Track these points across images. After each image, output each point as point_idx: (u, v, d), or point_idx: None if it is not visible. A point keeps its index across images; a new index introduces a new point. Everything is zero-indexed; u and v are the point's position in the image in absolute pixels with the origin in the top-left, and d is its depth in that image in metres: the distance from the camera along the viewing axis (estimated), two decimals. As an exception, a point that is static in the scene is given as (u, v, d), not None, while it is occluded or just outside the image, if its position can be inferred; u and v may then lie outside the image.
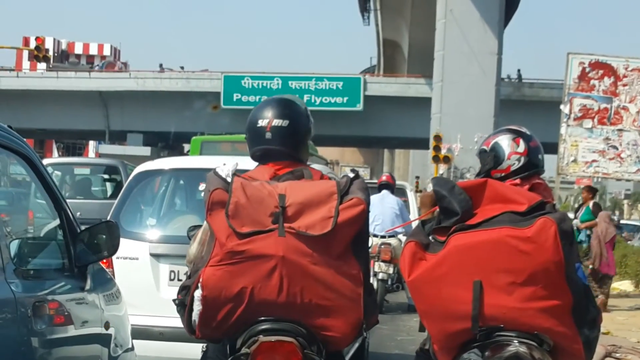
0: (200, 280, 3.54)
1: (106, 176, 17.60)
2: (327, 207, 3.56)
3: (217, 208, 3.56)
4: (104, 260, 5.76)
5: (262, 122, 3.87)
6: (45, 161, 16.82)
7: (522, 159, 4.15)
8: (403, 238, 12.84)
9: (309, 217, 3.54)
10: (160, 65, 50.29)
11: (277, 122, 3.85)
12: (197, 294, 3.57)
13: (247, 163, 4.01)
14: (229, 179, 3.63)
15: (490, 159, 4.20)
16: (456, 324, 3.63)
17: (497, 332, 3.60)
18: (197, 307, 3.59)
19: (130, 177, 7.01)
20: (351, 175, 3.77)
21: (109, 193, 16.82)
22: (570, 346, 3.62)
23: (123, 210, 6.68)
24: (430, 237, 3.77)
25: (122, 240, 5.28)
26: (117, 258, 6.07)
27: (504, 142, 4.20)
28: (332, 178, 3.90)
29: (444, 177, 3.97)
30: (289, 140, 3.86)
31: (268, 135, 3.85)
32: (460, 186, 3.82)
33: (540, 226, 3.55)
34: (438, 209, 3.84)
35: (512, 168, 4.16)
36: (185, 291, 3.69)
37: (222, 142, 19.27)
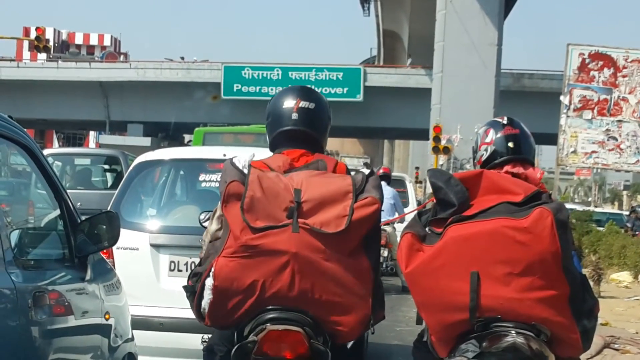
0: (213, 269, 3.56)
1: (107, 167, 17.67)
2: (342, 205, 3.58)
3: (233, 200, 3.57)
4: (105, 251, 5.80)
5: (288, 104, 3.91)
6: (45, 151, 16.90)
7: (489, 149, 4.23)
8: (396, 224, 14.13)
9: (324, 215, 3.56)
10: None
11: (304, 103, 3.90)
12: (209, 282, 3.59)
13: (261, 155, 4.01)
14: (245, 170, 3.65)
15: (472, 152, 4.36)
16: (454, 315, 3.64)
17: (494, 322, 3.61)
18: (207, 295, 3.61)
19: (131, 168, 7.03)
20: (365, 171, 3.79)
21: (110, 183, 16.91)
22: (567, 336, 3.63)
23: (123, 200, 6.68)
24: (427, 229, 3.78)
25: (122, 231, 5.39)
26: (117, 248, 6.09)
27: (480, 134, 4.34)
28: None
29: (440, 169, 4.03)
30: (315, 122, 3.92)
31: (294, 115, 3.88)
32: (456, 177, 3.84)
33: (536, 216, 3.56)
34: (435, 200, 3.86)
35: (482, 159, 4.25)
36: (196, 278, 3.70)
37: (224, 133, 19.50)
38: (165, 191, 7.40)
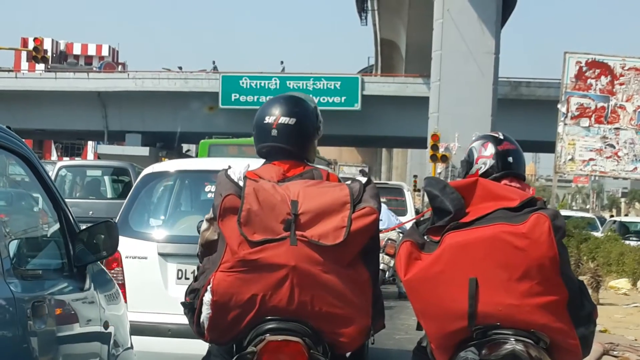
0: (210, 285, 3.53)
1: (116, 177, 18.61)
2: (340, 216, 3.54)
3: (229, 214, 3.53)
4: (115, 260, 6.21)
5: (269, 119, 3.85)
6: (59, 164, 18.26)
7: (488, 162, 4.27)
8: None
9: (322, 227, 3.52)
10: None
11: (284, 119, 3.83)
12: (207, 298, 3.56)
13: (257, 165, 3.98)
14: (240, 183, 3.60)
15: (464, 164, 4.38)
16: (453, 322, 3.65)
17: (493, 330, 3.61)
18: (206, 311, 3.59)
19: (138, 179, 7.20)
20: (362, 179, 3.75)
21: (119, 193, 17.80)
22: (566, 342, 3.64)
23: (131, 211, 6.83)
24: (425, 238, 3.79)
25: (131, 240, 6.09)
26: (127, 257, 6.37)
27: (475, 147, 4.37)
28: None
29: (436, 177, 4.03)
30: (295, 139, 3.85)
31: (274, 132, 3.83)
32: (451, 186, 3.86)
33: (534, 222, 3.58)
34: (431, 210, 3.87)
35: (480, 172, 4.27)
36: (194, 294, 3.69)
37: (229, 145, 20.13)
38: (171, 202, 7.53)
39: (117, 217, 6.66)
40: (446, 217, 3.74)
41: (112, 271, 6.33)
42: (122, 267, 6.41)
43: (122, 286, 6.38)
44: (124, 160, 20.23)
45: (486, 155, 4.29)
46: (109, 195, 18.27)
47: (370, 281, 3.61)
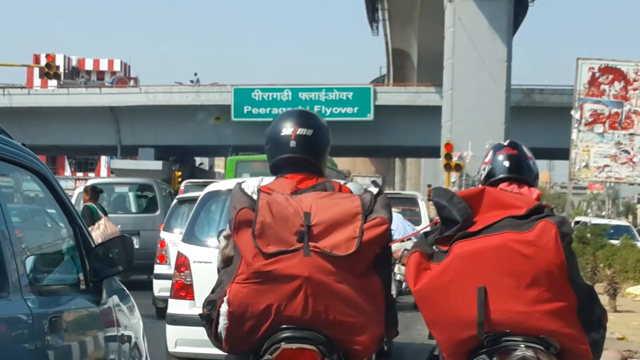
0: (227, 296, 3.61)
1: (140, 193, 19.69)
2: (352, 227, 3.59)
3: (244, 227, 3.60)
4: (184, 264, 7.38)
5: (286, 131, 3.91)
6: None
7: (486, 168, 4.38)
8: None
9: (334, 237, 3.58)
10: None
11: (301, 130, 3.89)
12: (224, 309, 3.63)
13: (270, 180, 4.02)
14: (254, 196, 3.67)
15: (477, 174, 4.52)
16: (463, 331, 3.67)
17: (503, 337, 3.63)
18: (223, 321, 3.65)
19: (200, 197, 8.69)
20: (373, 190, 3.79)
21: (143, 208, 19.03)
22: (577, 347, 3.65)
23: (196, 223, 8.33)
24: (434, 247, 3.81)
25: (198, 248, 7.96)
26: (194, 262, 7.82)
27: (483, 156, 4.48)
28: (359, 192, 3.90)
29: (443, 188, 4.09)
30: (313, 149, 3.92)
31: (292, 143, 3.89)
32: (459, 195, 3.88)
33: (541, 229, 3.60)
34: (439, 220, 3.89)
35: (482, 178, 4.40)
36: (211, 306, 3.75)
37: (254, 161, 21.02)
38: (224, 214, 8.50)
39: (184, 230, 8.24)
40: (454, 227, 3.77)
41: (182, 274, 7.87)
42: (190, 270, 7.81)
43: (191, 286, 7.80)
44: (136, 175, 21.04)
45: (486, 161, 4.41)
46: (134, 209, 19.19)
47: (382, 290, 3.66)
